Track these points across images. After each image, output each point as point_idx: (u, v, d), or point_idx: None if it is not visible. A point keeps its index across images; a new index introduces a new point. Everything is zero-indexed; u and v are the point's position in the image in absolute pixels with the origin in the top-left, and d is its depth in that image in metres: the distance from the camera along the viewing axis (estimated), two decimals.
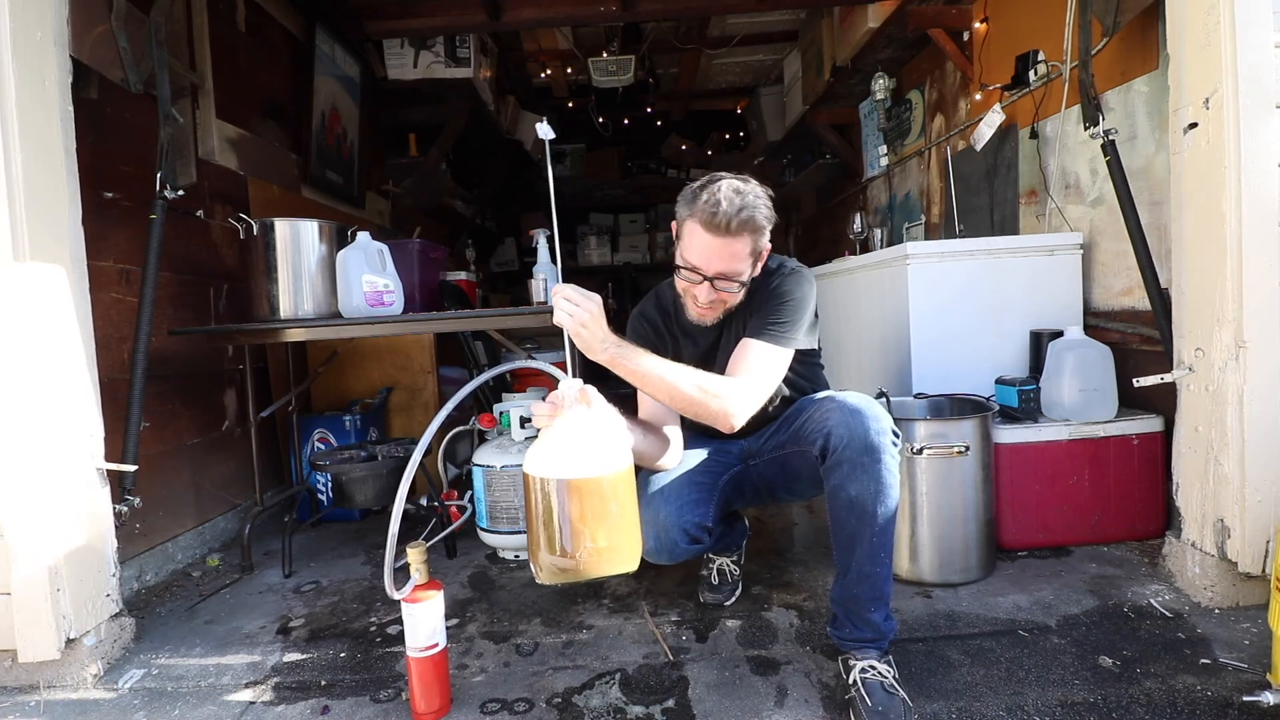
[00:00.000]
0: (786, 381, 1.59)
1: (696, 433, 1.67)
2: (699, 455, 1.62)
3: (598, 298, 1.27)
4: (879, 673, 1.30)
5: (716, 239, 1.38)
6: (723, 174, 1.44)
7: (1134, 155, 2.06)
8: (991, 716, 1.28)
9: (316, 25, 3.17)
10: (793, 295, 1.50)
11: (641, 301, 1.73)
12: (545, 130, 1.21)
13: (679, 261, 1.46)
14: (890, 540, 1.36)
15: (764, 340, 1.46)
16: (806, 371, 1.66)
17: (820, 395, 1.50)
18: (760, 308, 1.50)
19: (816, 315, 1.59)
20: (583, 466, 1.05)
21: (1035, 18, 2.52)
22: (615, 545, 1.07)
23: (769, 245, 1.48)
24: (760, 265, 1.49)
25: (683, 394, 1.35)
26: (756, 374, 1.44)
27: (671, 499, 1.49)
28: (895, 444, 1.36)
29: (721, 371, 1.48)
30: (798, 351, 1.53)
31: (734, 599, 1.79)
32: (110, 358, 1.92)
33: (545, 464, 1.06)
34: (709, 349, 1.60)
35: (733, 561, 1.85)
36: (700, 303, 1.47)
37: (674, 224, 1.50)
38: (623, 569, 1.09)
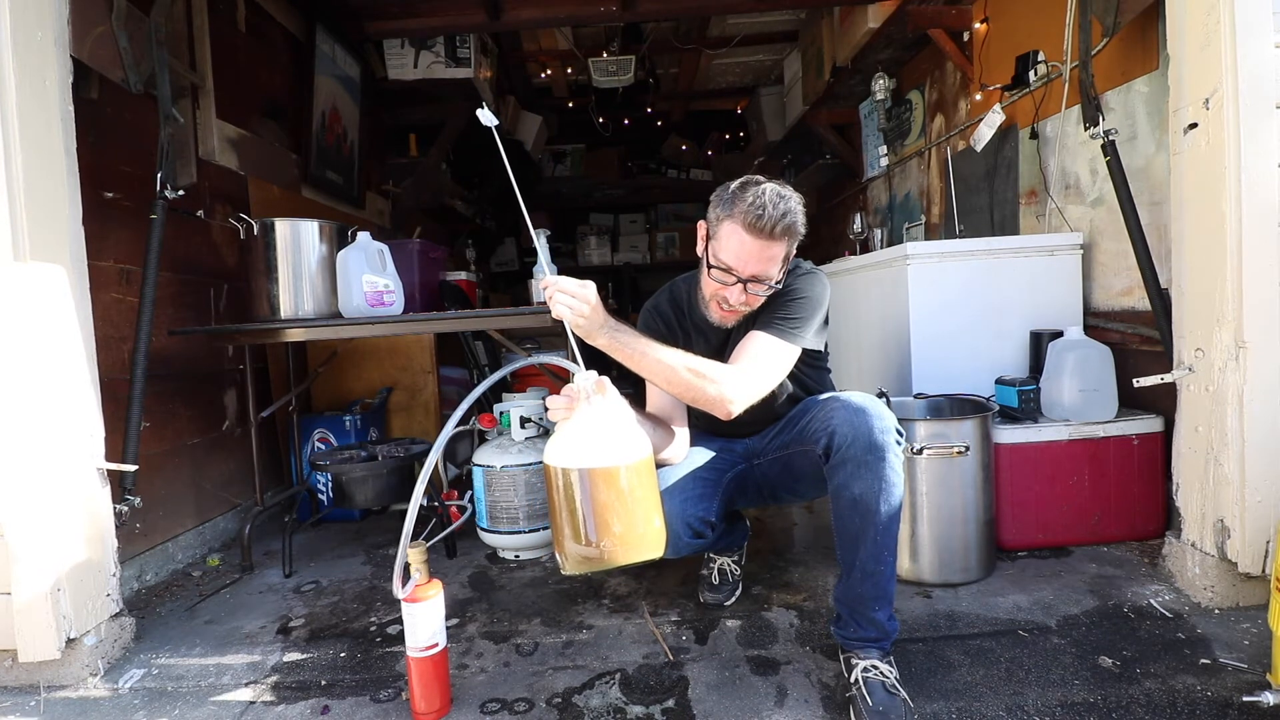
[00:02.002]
0: (795, 382, 1.59)
1: (702, 430, 1.68)
2: (705, 453, 1.63)
3: (591, 284, 1.28)
4: (881, 673, 1.30)
5: (758, 241, 1.39)
6: (760, 177, 1.44)
7: (1134, 155, 2.06)
8: (991, 716, 1.28)
9: (316, 25, 3.17)
10: (805, 294, 1.50)
11: (655, 295, 1.73)
12: (487, 116, 1.20)
13: (712, 262, 1.45)
14: (894, 539, 1.36)
15: (771, 334, 1.47)
16: (814, 374, 1.66)
17: (824, 395, 1.51)
18: (772, 304, 1.50)
19: (827, 318, 1.59)
20: (604, 455, 1.06)
21: (1035, 18, 2.52)
22: (639, 532, 1.07)
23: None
24: (785, 270, 1.50)
25: (679, 377, 1.35)
26: (758, 364, 1.44)
27: (676, 493, 1.50)
28: (899, 443, 1.36)
29: None
30: (806, 353, 1.54)
31: (734, 599, 1.79)
32: (110, 358, 1.92)
33: (567, 454, 1.07)
34: (720, 345, 1.60)
35: (733, 561, 1.85)
36: (730, 305, 1.47)
37: (702, 224, 1.50)
38: (647, 556, 1.09)
